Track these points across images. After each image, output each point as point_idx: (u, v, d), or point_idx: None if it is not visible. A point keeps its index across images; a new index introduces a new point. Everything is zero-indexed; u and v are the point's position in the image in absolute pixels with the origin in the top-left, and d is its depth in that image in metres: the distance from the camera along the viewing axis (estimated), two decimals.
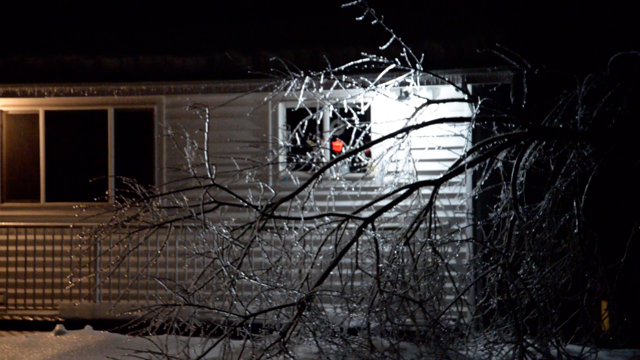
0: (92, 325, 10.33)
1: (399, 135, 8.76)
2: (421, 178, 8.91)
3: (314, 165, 9.08)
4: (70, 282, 10.21)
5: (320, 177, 8.79)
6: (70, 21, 12.74)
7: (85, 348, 9.24)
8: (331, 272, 8.14)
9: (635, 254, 8.19)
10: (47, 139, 12.11)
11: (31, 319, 11.24)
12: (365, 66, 8.61)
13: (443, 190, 9.00)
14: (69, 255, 11.07)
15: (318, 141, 10.11)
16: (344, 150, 9.12)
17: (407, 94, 10.16)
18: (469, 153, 8.65)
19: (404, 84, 9.01)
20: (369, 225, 8.16)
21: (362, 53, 8.55)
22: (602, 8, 14.42)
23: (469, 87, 10.75)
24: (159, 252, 8.96)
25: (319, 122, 9.38)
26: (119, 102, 11.89)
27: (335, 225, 8.50)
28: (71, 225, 10.96)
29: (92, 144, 12.08)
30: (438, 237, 8.47)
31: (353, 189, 9.49)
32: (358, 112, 8.92)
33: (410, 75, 8.72)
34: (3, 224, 11.52)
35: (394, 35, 8.28)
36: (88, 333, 9.90)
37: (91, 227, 8.82)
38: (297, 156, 9.24)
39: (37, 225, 11.43)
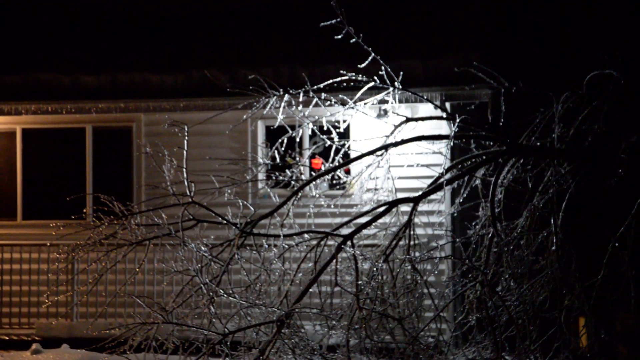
0: (69, 344, 10.22)
1: (378, 153, 8.79)
2: (400, 195, 8.94)
3: (293, 182, 9.09)
4: (47, 301, 10.12)
5: (300, 194, 8.79)
6: (48, 39, 12.71)
7: None
8: (310, 290, 8.11)
9: (612, 271, 8.25)
10: (25, 156, 12.04)
11: (7, 337, 11.12)
12: (345, 84, 8.65)
13: (422, 207, 9.04)
14: (46, 274, 10.98)
15: (297, 158, 10.14)
16: (323, 168, 9.13)
17: (386, 111, 10.21)
18: (447, 170, 8.70)
19: (382, 102, 9.06)
20: (348, 243, 8.17)
21: (341, 71, 8.60)
22: (578, 27, 14.60)
23: (447, 105, 10.83)
24: (137, 270, 8.89)
25: (298, 139, 9.40)
26: (97, 120, 11.85)
27: (314, 242, 8.49)
28: (48, 244, 10.88)
29: (70, 161, 12.03)
30: (417, 254, 8.49)
31: (332, 206, 9.50)
32: (337, 130, 8.95)
33: (389, 93, 8.77)
34: None
35: (373, 54, 8.33)
36: (65, 352, 9.80)
37: (68, 245, 8.74)
38: (277, 173, 9.24)
39: (13, 243, 11.34)
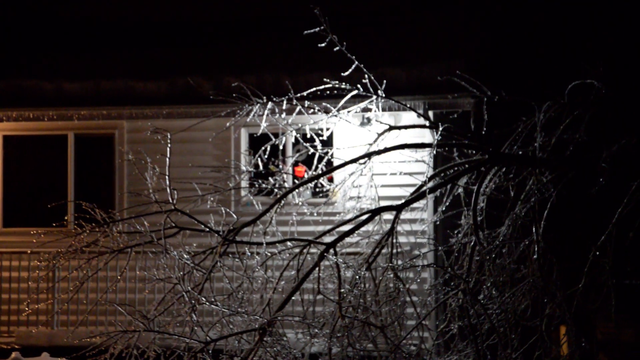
0: (49, 352, 10.15)
1: (361, 161, 8.80)
2: (383, 203, 8.95)
3: (276, 190, 9.08)
4: (27, 309, 10.04)
5: (283, 202, 8.78)
6: (30, 45, 12.66)
7: None
8: (293, 298, 8.11)
9: (593, 280, 8.29)
10: (5, 163, 11.97)
11: None
12: (328, 92, 8.66)
13: (405, 215, 9.04)
14: (26, 282, 10.90)
15: (280, 166, 10.14)
16: (306, 176, 9.13)
17: (369, 120, 10.22)
18: (430, 179, 8.72)
19: (366, 110, 9.08)
20: (331, 251, 8.17)
21: (325, 79, 8.61)
22: (560, 38, 14.71)
23: (430, 113, 10.87)
24: (119, 277, 8.85)
25: (281, 147, 9.40)
26: (80, 126, 11.81)
27: (297, 250, 8.48)
28: (29, 251, 10.80)
29: (51, 169, 11.97)
30: (400, 262, 8.50)
31: (315, 214, 9.50)
32: (320, 138, 8.96)
33: (372, 101, 8.79)
34: None
35: (356, 62, 8.35)
36: None
37: (49, 252, 8.69)
38: (260, 181, 9.23)
39: None
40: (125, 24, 12.95)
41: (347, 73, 8.35)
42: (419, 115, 9.15)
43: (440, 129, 8.49)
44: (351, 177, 8.92)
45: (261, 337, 7.43)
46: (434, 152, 8.69)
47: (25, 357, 9.92)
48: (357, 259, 8.63)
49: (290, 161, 10.50)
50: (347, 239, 8.60)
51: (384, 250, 8.50)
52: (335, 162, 9.18)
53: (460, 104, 10.49)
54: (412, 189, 8.94)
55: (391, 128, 8.95)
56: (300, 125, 8.97)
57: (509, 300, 8.24)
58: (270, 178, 9.25)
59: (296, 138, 9.07)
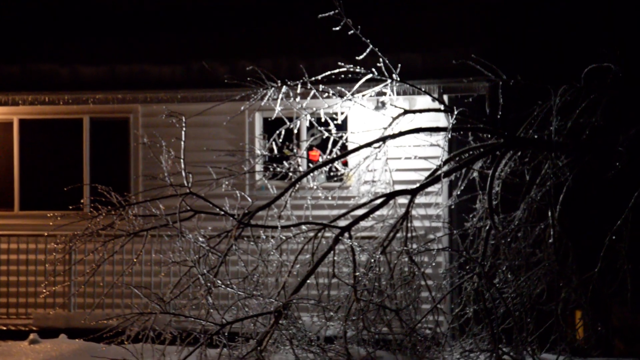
0: (66, 334, 10.24)
1: (376, 145, 8.80)
2: (398, 187, 8.95)
3: (290, 174, 9.09)
4: (44, 291, 10.12)
5: (297, 186, 8.80)
6: (46, 30, 12.68)
7: (59, 357, 9.17)
8: (308, 281, 8.15)
9: (608, 264, 8.27)
10: (22, 147, 12.01)
11: (4, 327, 11.12)
12: (343, 76, 8.65)
13: (419, 199, 9.04)
14: (43, 264, 10.97)
15: (295, 150, 10.14)
16: (320, 160, 9.14)
17: (383, 103, 10.20)
18: (445, 163, 8.71)
19: (380, 94, 9.06)
20: (346, 234, 8.18)
21: (339, 63, 8.59)
22: (576, 20, 14.60)
23: (445, 97, 10.82)
24: (135, 260, 8.90)
25: (295, 131, 9.40)
26: (95, 110, 11.83)
27: (312, 234, 8.50)
28: (46, 234, 10.86)
29: (67, 152, 12.00)
30: (414, 246, 8.51)
31: (330, 198, 9.51)
32: (335, 122, 8.95)
33: (387, 85, 8.77)
34: None
35: (371, 46, 8.33)
36: (62, 342, 9.82)
37: (66, 235, 8.75)
38: (274, 165, 9.25)
39: (11, 234, 11.32)
40: (140, 9, 12.93)
41: (361, 57, 8.33)
42: (433, 99, 9.12)
43: (455, 112, 8.47)
44: (366, 161, 8.91)
45: (276, 320, 7.47)
46: (449, 136, 8.68)
47: (42, 338, 10.01)
48: (372, 243, 8.65)
49: (304, 145, 10.50)
50: (362, 223, 8.61)
51: (398, 234, 8.51)
52: (350, 146, 9.17)
53: (475, 87, 10.43)
54: (426, 173, 8.93)
55: (406, 112, 8.94)
56: (314, 109, 8.96)
57: (525, 284, 8.24)
58: (284, 162, 9.26)
59: (311, 122, 9.06)
